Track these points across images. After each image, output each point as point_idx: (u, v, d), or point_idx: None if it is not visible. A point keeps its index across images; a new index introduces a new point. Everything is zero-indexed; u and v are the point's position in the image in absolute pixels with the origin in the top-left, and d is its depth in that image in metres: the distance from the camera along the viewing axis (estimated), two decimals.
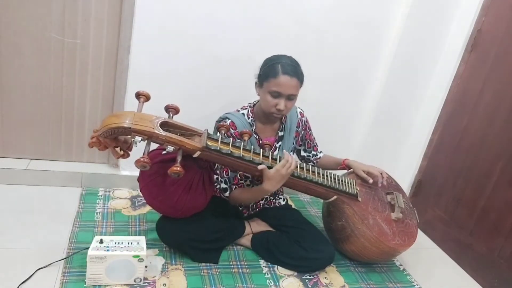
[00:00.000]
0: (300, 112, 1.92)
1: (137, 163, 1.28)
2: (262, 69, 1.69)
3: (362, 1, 2.16)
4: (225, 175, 1.75)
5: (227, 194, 1.77)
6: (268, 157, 1.58)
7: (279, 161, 1.58)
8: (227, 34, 2.03)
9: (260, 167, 1.52)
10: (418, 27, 2.22)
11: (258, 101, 1.78)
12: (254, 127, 1.78)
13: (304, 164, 1.69)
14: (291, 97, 1.66)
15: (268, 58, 1.71)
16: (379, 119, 2.43)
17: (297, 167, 1.63)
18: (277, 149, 1.84)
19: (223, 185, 1.76)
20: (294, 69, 1.64)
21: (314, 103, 2.25)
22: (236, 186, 1.78)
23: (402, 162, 2.49)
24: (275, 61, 1.66)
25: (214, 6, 1.96)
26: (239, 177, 1.78)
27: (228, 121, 1.72)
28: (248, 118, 1.77)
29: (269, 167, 1.55)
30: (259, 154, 1.56)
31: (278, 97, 1.64)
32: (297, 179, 1.64)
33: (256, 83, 1.74)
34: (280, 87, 1.62)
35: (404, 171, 2.47)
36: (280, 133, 1.84)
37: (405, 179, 2.45)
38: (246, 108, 1.80)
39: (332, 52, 2.23)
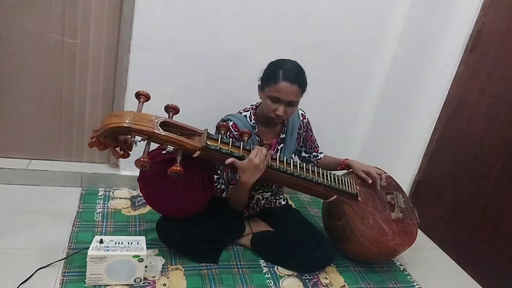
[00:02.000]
0: (302, 114, 1.92)
1: (137, 163, 1.28)
2: (265, 73, 1.68)
3: (362, 1, 2.16)
4: (225, 176, 1.75)
5: (224, 194, 1.77)
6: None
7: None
8: (227, 33, 2.03)
9: (227, 161, 1.47)
10: (418, 27, 2.22)
11: (261, 103, 1.78)
12: (257, 130, 1.78)
13: (304, 164, 1.69)
14: (291, 104, 1.65)
15: (272, 62, 1.69)
16: (379, 119, 2.42)
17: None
18: (279, 151, 1.84)
19: (223, 186, 1.76)
20: (295, 76, 1.62)
21: (314, 103, 2.24)
22: (233, 187, 1.78)
23: (402, 162, 2.49)
24: (277, 66, 1.65)
25: (213, 5, 1.96)
26: (237, 178, 1.78)
27: (231, 123, 1.71)
28: (251, 120, 1.77)
29: (269, 167, 1.55)
30: None
31: (277, 102, 1.63)
32: (297, 178, 1.64)
33: (258, 86, 1.73)
34: (279, 93, 1.61)
35: (404, 171, 2.47)
36: (282, 135, 1.84)
37: (405, 179, 2.45)
38: (248, 110, 1.80)
39: (332, 52, 2.23)
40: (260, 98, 1.73)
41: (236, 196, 1.66)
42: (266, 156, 1.52)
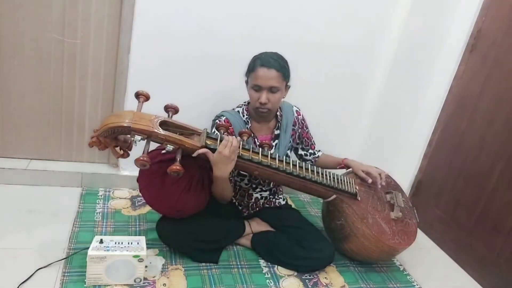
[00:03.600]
0: (297, 111, 1.92)
1: (137, 161, 1.29)
2: (247, 66, 1.72)
3: (361, 1, 2.16)
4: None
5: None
6: (267, 156, 1.58)
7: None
8: (227, 34, 2.03)
9: (201, 151, 1.43)
10: (418, 27, 2.22)
11: None
12: (249, 125, 1.79)
13: (303, 163, 1.69)
14: (273, 90, 1.65)
15: (254, 55, 1.72)
16: (379, 119, 2.42)
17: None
18: (273, 147, 1.84)
19: None
20: (272, 61, 1.64)
21: (314, 103, 2.25)
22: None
23: (402, 162, 2.49)
24: (256, 56, 1.69)
25: (213, 7, 1.97)
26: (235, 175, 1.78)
27: (223, 118, 1.73)
28: (243, 116, 1.78)
29: (268, 165, 1.55)
30: (258, 153, 1.56)
31: (259, 90, 1.65)
32: (296, 178, 1.64)
33: (245, 81, 1.76)
34: (258, 80, 1.63)
35: (404, 171, 2.46)
36: (276, 132, 1.84)
37: (405, 179, 2.45)
38: (241, 106, 1.81)
39: (332, 52, 2.23)
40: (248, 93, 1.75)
41: (216, 191, 1.63)
42: (232, 144, 1.45)
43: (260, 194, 1.91)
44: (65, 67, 2.01)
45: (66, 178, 2.11)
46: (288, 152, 1.90)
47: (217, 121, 1.73)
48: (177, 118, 1.47)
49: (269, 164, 1.56)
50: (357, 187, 1.84)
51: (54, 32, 1.94)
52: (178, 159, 1.35)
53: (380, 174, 1.90)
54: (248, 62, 1.73)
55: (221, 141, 1.47)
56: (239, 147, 1.51)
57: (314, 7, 2.10)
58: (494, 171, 1.94)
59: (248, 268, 1.74)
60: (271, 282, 1.68)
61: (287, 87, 1.74)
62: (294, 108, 1.92)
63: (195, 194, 1.56)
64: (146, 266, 1.53)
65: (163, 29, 1.95)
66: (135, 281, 1.50)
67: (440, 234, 2.24)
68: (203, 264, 1.70)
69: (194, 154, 1.44)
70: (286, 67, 1.69)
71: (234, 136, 1.51)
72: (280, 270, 1.76)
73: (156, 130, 1.34)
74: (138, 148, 1.38)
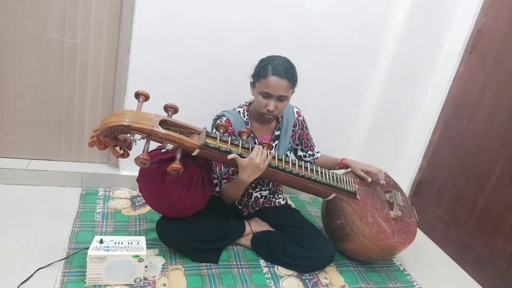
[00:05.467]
0: (297, 112, 1.92)
1: (137, 160, 1.29)
2: (256, 69, 1.70)
3: (361, 2, 2.16)
4: (218, 171, 1.76)
5: (217, 189, 1.77)
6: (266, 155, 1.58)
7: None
8: (226, 34, 2.03)
9: (230, 156, 1.47)
10: (418, 27, 2.22)
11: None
12: (250, 126, 1.79)
13: (302, 162, 1.69)
14: (282, 98, 1.65)
15: (262, 59, 1.71)
16: (379, 119, 2.42)
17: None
18: (274, 148, 1.84)
19: (215, 181, 1.76)
20: (285, 70, 1.63)
21: (315, 104, 2.26)
22: (226, 181, 1.78)
23: (402, 162, 2.49)
24: (267, 61, 1.67)
25: (213, 7, 1.97)
26: (230, 173, 1.78)
27: (224, 118, 1.73)
28: (244, 116, 1.78)
29: (268, 164, 1.55)
30: None
31: (268, 97, 1.64)
32: (295, 176, 1.64)
33: (250, 82, 1.75)
34: (269, 88, 1.62)
35: (404, 171, 2.47)
36: (277, 132, 1.85)
37: (405, 179, 2.45)
38: (242, 107, 1.81)
39: (333, 52, 2.23)
40: (252, 94, 1.74)
41: (230, 191, 1.67)
42: (266, 156, 1.53)
43: (260, 193, 1.91)
44: (65, 67, 2.01)
45: (66, 178, 2.11)
46: (288, 153, 1.90)
47: (218, 121, 1.73)
48: (176, 118, 1.47)
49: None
50: (356, 186, 1.84)
51: (54, 32, 1.94)
52: (178, 158, 1.35)
53: (380, 171, 1.90)
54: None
55: (220, 139, 1.47)
56: (267, 158, 1.53)
57: (315, 9, 2.10)
58: (494, 171, 1.95)
59: (248, 268, 1.74)
60: (271, 282, 1.68)
61: (292, 93, 1.74)
62: (295, 109, 1.91)
63: (195, 193, 1.56)
64: (146, 266, 1.53)
65: (163, 29, 1.94)
66: (135, 281, 1.50)
67: (440, 234, 2.24)
68: (203, 264, 1.70)
69: (229, 157, 1.46)
70: (295, 75, 1.69)
71: (263, 147, 1.54)
72: (280, 270, 1.76)
73: (156, 129, 1.35)
74: (138, 147, 1.39)
